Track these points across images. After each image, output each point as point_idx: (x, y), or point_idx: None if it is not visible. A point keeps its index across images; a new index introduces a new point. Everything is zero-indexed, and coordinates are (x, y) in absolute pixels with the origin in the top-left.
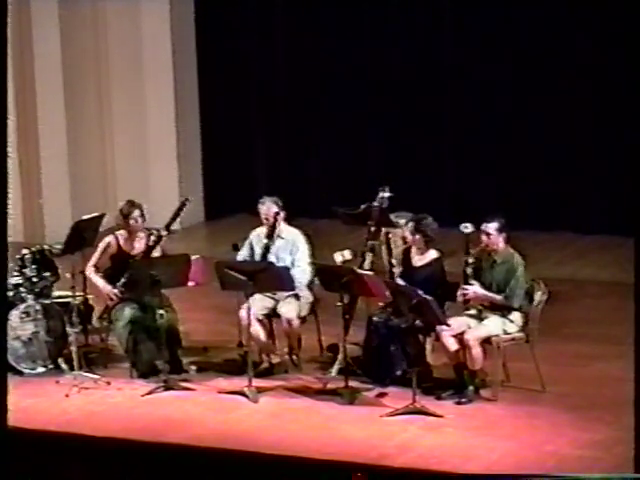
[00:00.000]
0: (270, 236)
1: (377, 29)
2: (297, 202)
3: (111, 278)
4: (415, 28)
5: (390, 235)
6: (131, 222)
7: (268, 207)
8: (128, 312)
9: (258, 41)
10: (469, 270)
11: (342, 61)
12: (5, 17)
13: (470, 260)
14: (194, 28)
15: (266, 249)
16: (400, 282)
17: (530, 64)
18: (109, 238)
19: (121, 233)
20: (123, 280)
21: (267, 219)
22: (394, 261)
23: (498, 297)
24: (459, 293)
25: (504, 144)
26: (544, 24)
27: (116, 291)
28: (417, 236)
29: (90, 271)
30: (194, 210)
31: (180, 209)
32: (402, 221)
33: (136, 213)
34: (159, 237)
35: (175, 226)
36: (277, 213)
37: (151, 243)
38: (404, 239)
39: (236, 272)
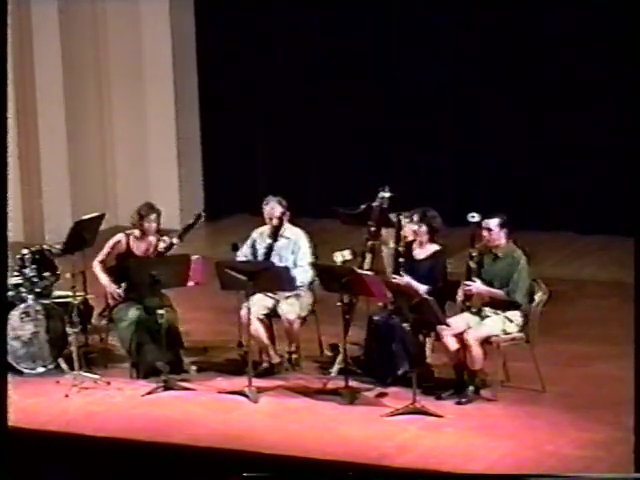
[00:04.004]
0: (274, 237)
1: (377, 29)
2: (297, 202)
3: (113, 276)
4: (415, 28)
5: (402, 218)
6: (145, 224)
7: (272, 207)
8: (133, 313)
9: (258, 41)
10: (473, 264)
11: (342, 61)
12: (5, 18)
13: (474, 253)
14: (194, 28)
15: (269, 249)
16: (405, 276)
17: (530, 64)
18: (120, 236)
19: (133, 233)
20: (126, 283)
21: (271, 219)
22: (401, 249)
23: (500, 292)
24: (460, 289)
25: (504, 144)
26: (542, 25)
27: (119, 291)
28: (422, 227)
29: (96, 266)
30: (194, 210)
31: (194, 223)
32: (405, 220)
33: (152, 217)
34: (171, 245)
35: (175, 226)
36: (283, 213)
37: (161, 249)
38: (405, 237)
39: (236, 272)
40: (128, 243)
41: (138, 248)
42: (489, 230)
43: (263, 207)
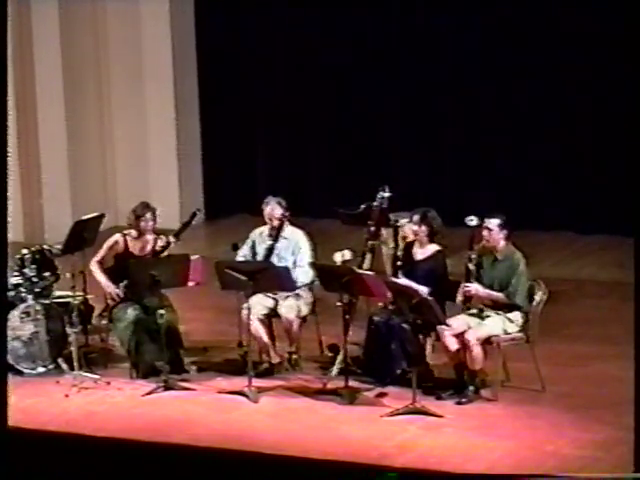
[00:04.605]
0: (275, 237)
1: (377, 29)
2: (297, 202)
3: (112, 276)
4: (415, 27)
5: (399, 224)
6: (142, 224)
7: (272, 208)
8: (131, 313)
9: (258, 41)
10: (472, 266)
11: (342, 61)
12: (5, 18)
13: (473, 256)
14: (194, 28)
15: (270, 250)
16: (403, 279)
17: (531, 64)
18: (117, 236)
19: (130, 233)
20: (127, 281)
21: (270, 219)
22: (399, 253)
23: (500, 295)
24: (460, 291)
25: (504, 144)
26: (544, 25)
27: (118, 291)
28: (422, 227)
29: (94, 266)
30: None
31: (190, 220)
32: (404, 220)
33: (148, 215)
34: (168, 243)
35: (175, 226)
36: (283, 215)
37: (158, 248)
38: (404, 238)
39: (236, 272)
40: (126, 243)
41: (136, 248)
42: (489, 230)
43: (263, 208)
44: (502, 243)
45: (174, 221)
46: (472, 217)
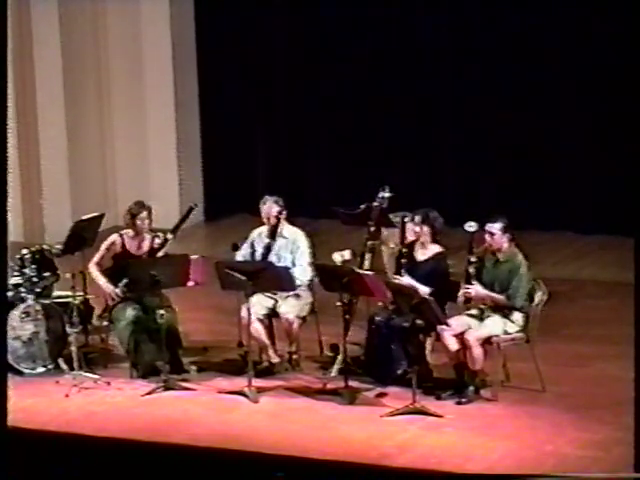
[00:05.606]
0: (272, 236)
1: (377, 28)
2: (297, 202)
3: (112, 277)
4: (415, 27)
5: (406, 220)
6: (138, 223)
7: (269, 207)
8: (130, 312)
9: (258, 41)
10: (471, 269)
11: (342, 61)
12: (5, 18)
13: (473, 259)
14: (194, 28)
15: (268, 249)
16: (406, 277)
17: (531, 64)
18: (114, 237)
19: (127, 233)
20: (125, 281)
21: (268, 219)
22: (404, 250)
23: (500, 296)
24: (461, 292)
25: (504, 144)
26: (545, 25)
27: (118, 291)
28: (424, 228)
29: (93, 268)
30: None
31: (187, 215)
32: (407, 218)
33: (144, 214)
34: (165, 240)
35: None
36: (280, 212)
37: (156, 246)
38: (404, 239)
39: (236, 272)
40: (123, 243)
41: (133, 247)
42: (492, 234)
43: (260, 207)
44: (505, 246)
45: (174, 221)
46: (472, 223)
